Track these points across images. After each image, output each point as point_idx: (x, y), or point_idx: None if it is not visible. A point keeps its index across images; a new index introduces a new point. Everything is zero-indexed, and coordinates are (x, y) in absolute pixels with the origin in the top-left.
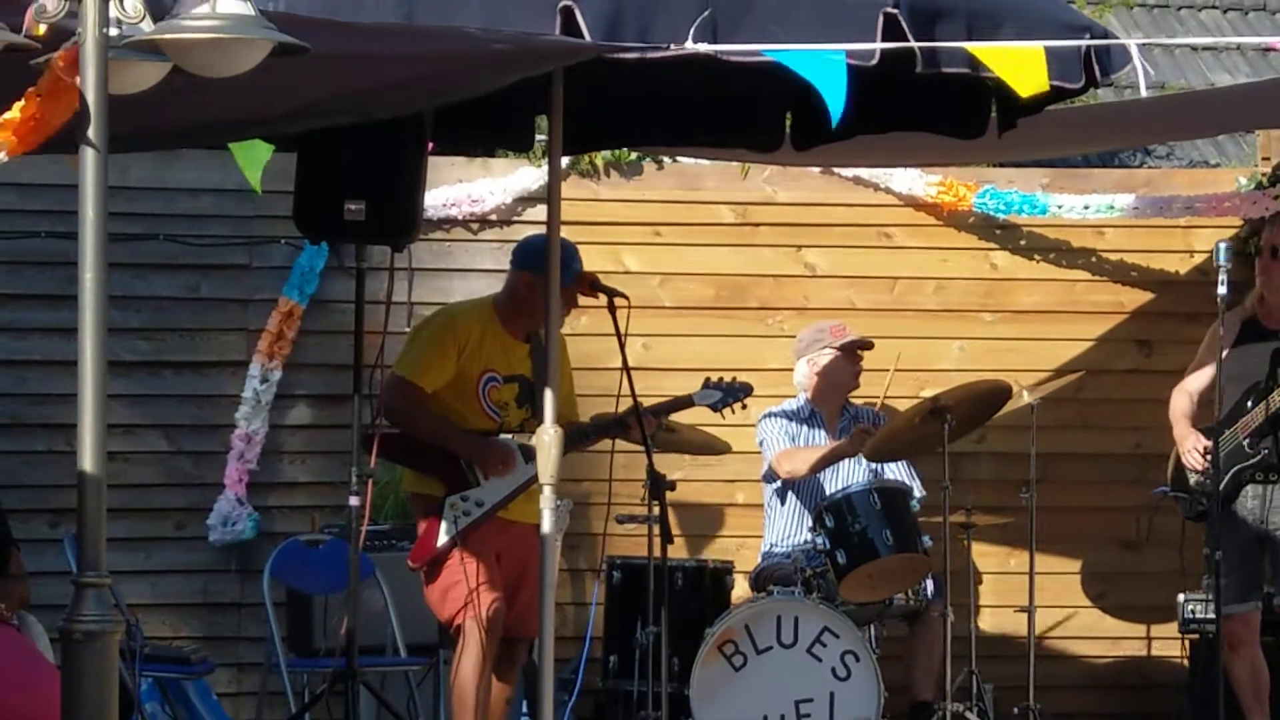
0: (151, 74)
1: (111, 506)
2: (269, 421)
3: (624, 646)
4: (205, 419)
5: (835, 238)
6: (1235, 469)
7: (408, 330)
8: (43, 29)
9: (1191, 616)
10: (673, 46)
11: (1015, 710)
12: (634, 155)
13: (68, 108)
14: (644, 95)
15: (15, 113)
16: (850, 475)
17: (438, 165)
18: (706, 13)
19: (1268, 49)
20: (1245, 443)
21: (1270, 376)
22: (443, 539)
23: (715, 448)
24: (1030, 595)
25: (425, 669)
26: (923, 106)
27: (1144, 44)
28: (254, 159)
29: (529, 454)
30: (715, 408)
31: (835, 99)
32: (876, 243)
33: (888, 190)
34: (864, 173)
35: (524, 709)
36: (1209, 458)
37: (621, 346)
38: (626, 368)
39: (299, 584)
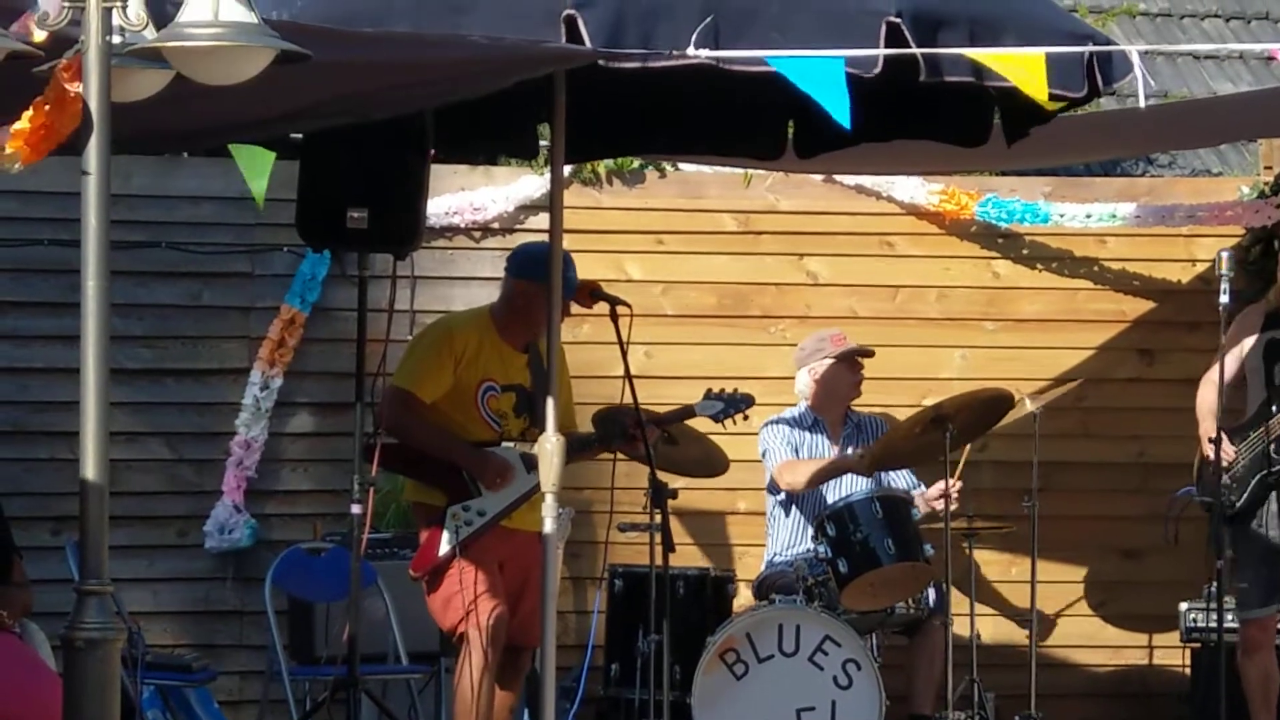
0: (154, 81)
1: (113, 514)
2: (270, 429)
3: (626, 655)
4: (207, 426)
5: (837, 246)
6: (1260, 475)
7: (410, 338)
8: (42, 35)
9: (1193, 625)
10: (674, 54)
11: (1017, 719)
12: (636, 163)
13: (74, 116)
14: (647, 103)
15: (25, 122)
16: (853, 484)
17: (440, 173)
18: (709, 20)
19: (1270, 57)
20: (1272, 448)
21: None
22: (444, 548)
23: (713, 468)
24: (1032, 603)
25: (427, 677)
26: (926, 115)
27: (1146, 52)
28: (258, 170)
29: (530, 463)
30: (717, 418)
31: (839, 106)
32: (879, 251)
33: (890, 199)
34: (866, 181)
35: (526, 717)
36: (1226, 458)
37: (624, 355)
38: (629, 376)
39: (301, 592)
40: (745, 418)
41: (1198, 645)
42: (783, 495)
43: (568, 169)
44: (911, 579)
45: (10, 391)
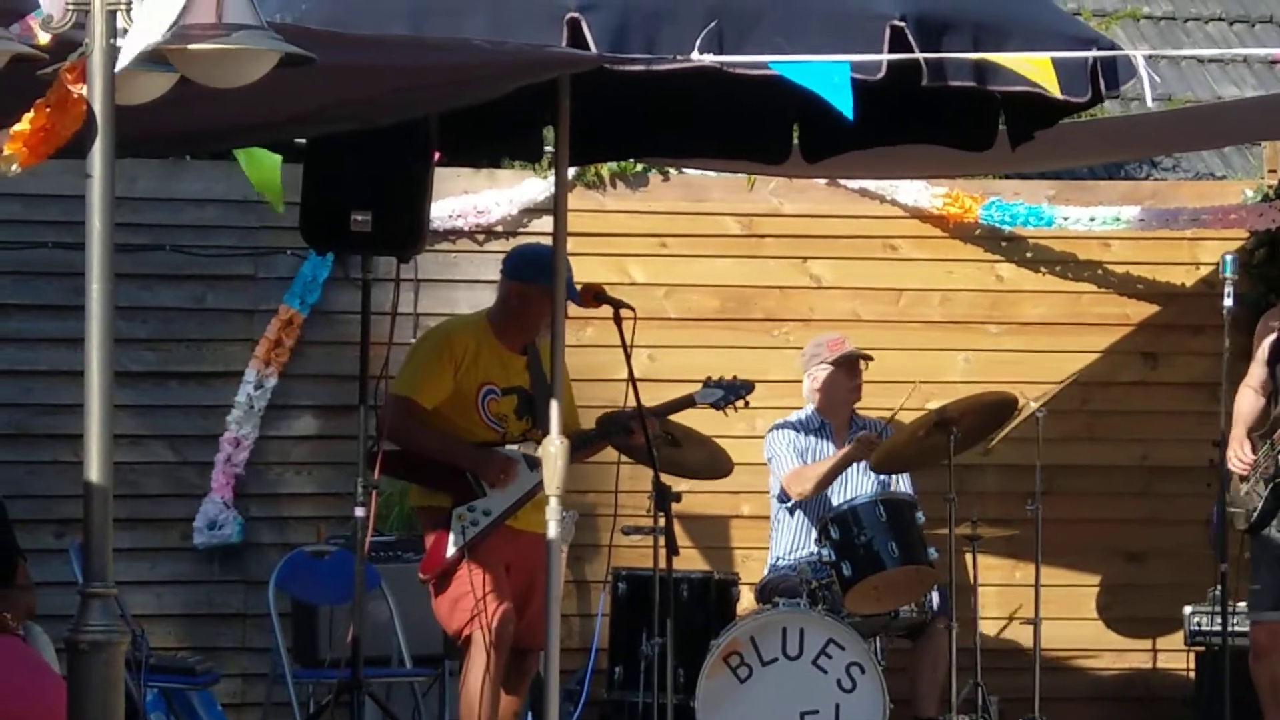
0: (158, 84)
1: (117, 517)
2: (274, 432)
3: (629, 658)
4: (211, 429)
5: (841, 249)
6: (1276, 483)
7: (413, 341)
8: (46, 38)
9: (1197, 629)
10: (678, 58)
11: None
12: (640, 166)
13: (76, 118)
14: (651, 107)
15: (25, 124)
16: (857, 487)
17: (444, 176)
18: (713, 25)
19: (1274, 61)
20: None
21: None
22: (452, 550)
23: (717, 470)
24: (1036, 607)
25: (430, 680)
26: (930, 119)
27: (1150, 56)
28: (268, 173)
29: (533, 462)
30: (717, 405)
31: (843, 100)
32: (882, 254)
33: (893, 202)
34: (870, 184)
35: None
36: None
37: (627, 357)
38: (632, 379)
39: (304, 595)
40: (746, 404)
41: (1202, 649)
42: (791, 502)
43: (571, 172)
44: (915, 582)
45: (14, 394)
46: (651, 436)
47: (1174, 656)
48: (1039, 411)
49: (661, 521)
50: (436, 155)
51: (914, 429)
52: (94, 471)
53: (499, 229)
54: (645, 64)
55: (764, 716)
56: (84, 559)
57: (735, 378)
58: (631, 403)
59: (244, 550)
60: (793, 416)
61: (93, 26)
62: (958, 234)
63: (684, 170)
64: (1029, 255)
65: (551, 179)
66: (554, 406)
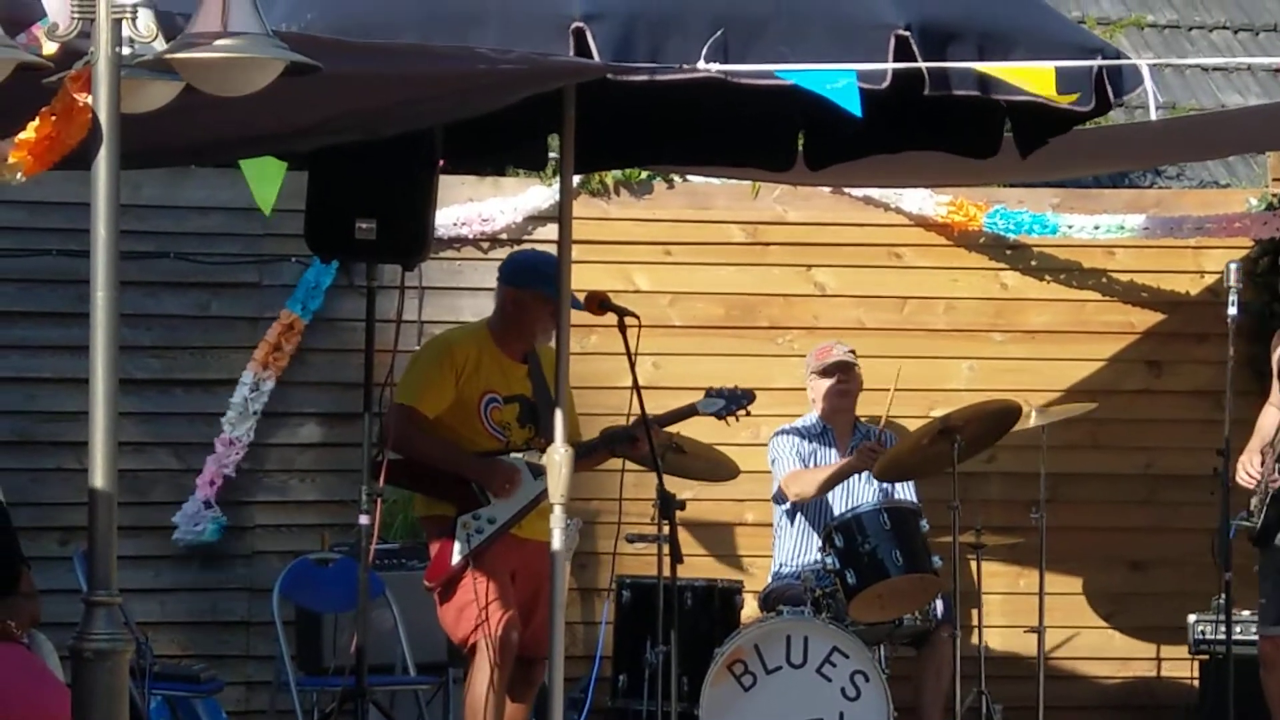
0: (164, 93)
1: (121, 524)
2: (273, 437)
3: (633, 666)
4: (215, 437)
5: (845, 257)
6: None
7: (417, 349)
8: (53, 48)
9: (1202, 637)
10: (684, 68)
11: None
12: (644, 174)
13: (82, 127)
14: (656, 115)
15: (30, 132)
16: (860, 495)
17: (448, 184)
18: (718, 34)
19: (1278, 70)
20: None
21: None
22: (457, 558)
23: (722, 473)
24: (1040, 615)
25: (434, 688)
26: (936, 127)
27: (1155, 64)
28: (267, 180)
29: (538, 470)
30: (719, 415)
31: (850, 100)
32: (886, 262)
33: (898, 210)
34: (874, 192)
35: None
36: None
37: (632, 365)
38: (637, 387)
39: (308, 602)
40: (747, 413)
41: (1206, 657)
42: (788, 505)
43: (576, 180)
44: (919, 590)
45: (18, 401)
46: (656, 445)
47: (1178, 665)
48: (1042, 422)
49: (666, 529)
50: (441, 163)
51: (918, 437)
52: (98, 479)
53: (504, 237)
54: (650, 74)
55: None
56: (89, 566)
57: (737, 387)
58: (635, 410)
59: (205, 542)
60: (797, 422)
61: (98, 35)
62: (962, 242)
63: (688, 178)
64: (1033, 263)
65: (556, 187)
66: (559, 415)
